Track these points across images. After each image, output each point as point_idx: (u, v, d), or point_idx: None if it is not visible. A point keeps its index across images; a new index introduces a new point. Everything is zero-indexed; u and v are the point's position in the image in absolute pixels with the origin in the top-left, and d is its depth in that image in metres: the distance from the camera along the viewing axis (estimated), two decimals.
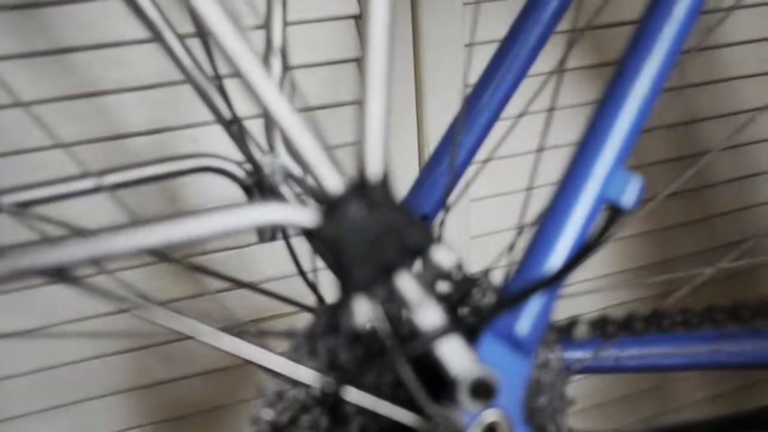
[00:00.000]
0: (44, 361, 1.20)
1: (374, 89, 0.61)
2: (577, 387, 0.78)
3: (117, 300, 0.66)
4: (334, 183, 0.62)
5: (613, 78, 0.72)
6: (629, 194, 0.70)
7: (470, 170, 0.97)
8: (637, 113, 0.71)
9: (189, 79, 0.85)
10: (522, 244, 0.75)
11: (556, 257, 0.70)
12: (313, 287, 0.97)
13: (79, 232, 0.61)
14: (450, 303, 0.77)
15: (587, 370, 0.85)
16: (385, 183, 0.63)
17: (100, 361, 1.22)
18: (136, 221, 0.62)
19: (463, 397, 0.68)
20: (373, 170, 0.63)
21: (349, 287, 0.63)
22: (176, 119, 1.13)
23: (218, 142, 1.13)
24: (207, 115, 1.05)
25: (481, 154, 0.96)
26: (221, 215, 0.60)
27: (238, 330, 0.76)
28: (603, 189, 0.70)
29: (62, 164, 1.02)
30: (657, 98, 0.72)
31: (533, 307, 0.71)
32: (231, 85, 0.88)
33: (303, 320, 0.75)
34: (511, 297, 0.70)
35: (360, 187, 0.62)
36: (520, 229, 0.80)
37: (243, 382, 1.25)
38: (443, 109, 1.19)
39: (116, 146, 1.10)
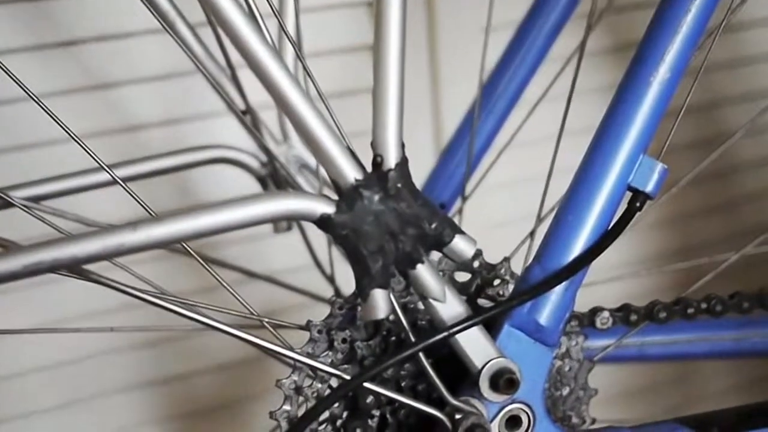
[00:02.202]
0: (57, 358, 1.20)
1: (388, 74, 0.60)
2: (597, 376, 0.77)
3: (135, 294, 0.65)
4: (349, 171, 0.60)
5: (634, 61, 0.70)
6: (653, 180, 0.69)
7: (488, 157, 0.96)
8: (660, 97, 0.69)
9: (201, 69, 0.85)
10: (542, 232, 0.73)
11: (578, 245, 0.68)
12: (329, 279, 0.96)
13: (94, 227, 0.60)
14: (470, 293, 0.75)
15: (610, 359, 0.84)
16: (402, 170, 0.61)
17: (114, 356, 1.21)
18: (152, 216, 0.62)
19: (484, 389, 0.67)
20: (390, 157, 0.61)
21: (367, 280, 0.61)
22: (189, 111, 1.12)
23: (232, 134, 1.10)
24: (220, 106, 1.04)
25: (499, 140, 0.94)
26: (236, 207, 0.59)
27: (255, 323, 0.75)
28: (625, 175, 0.68)
29: (73, 159, 1.01)
30: (680, 80, 0.70)
31: (555, 296, 0.69)
32: (244, 75, 0.88)
33: (320, 313, 0.74)
34: (533, 286, 0.68)
35: (376, 175, 0.61)
36: (540, 217, 0.78)
37: (260, 376, 1.25)
38: (460, 96, 1.16)
39: (128, 139, 1.09)
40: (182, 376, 1.28)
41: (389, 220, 0.61)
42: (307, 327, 0.72)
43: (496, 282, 0.75)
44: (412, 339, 0.66)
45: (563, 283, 0.68)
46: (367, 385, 0.67)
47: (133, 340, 1.18)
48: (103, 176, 0.84)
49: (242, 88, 0.88)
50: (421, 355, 0.66)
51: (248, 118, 0.88)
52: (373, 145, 0.61)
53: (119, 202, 0.97)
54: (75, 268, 0.62)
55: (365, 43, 1.17)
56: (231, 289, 0.72)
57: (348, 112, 1.10)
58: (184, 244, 0.67)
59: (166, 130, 1.12)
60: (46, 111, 0.65)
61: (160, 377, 1.27)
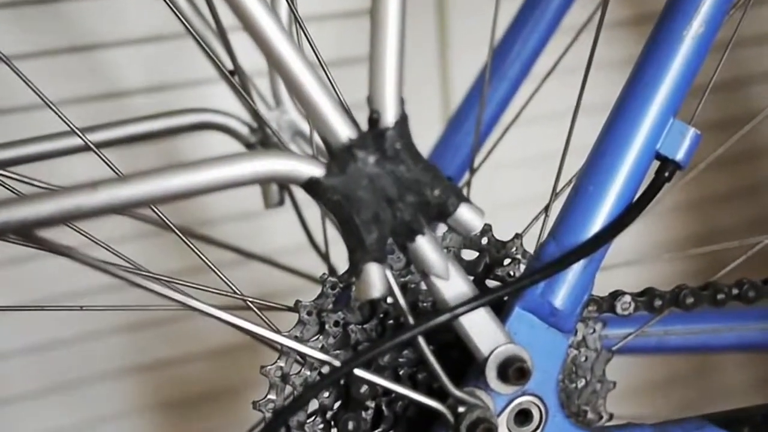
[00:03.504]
0: (38, 339, 1.15)
1: (387, 16, 0.54)
2: (612, 368, 0.72)
3: (99, 265, 0.58)
4: (341, 129, 0.54)
5: (665, 13, 0.64)
6: (683, 147, 0.63)
7: (498, 129, 0.90)
8: (693, 53, 0.63)
9: (187, 28, 0.78)
10: (558, 208, 0.68)
11: (599, 218, 0.62)
12: (324, 257, 0.90)
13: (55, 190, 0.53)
14: (477, 273, 0.69)
15: (628, 349, 0.77)
16: (401, 129, 0.55)
17: (98, 339, 1.17)
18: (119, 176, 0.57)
19: (491, 378, 0.61)
20: (387, 114, 0.54)
21: (360, 253, 0.55)
22: (177, 76, 1.08)
23: (224, 102, 1.06)
24: (211, 71, 0.99)
25: (510, 112, 0.88)
26: (213, 167, 0.53)
27: (240, 304, 0.69)
28: (653, 140, 0.63)
29: (52, 126, 0.96)
30: (714, 36, 0.63)
31: (572, 276, 0.63)
32: (234, 36, 0.83)
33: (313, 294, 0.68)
34: (547, 264, 0.62)
35: (372, 133, 0.54)
36: (556, 191, 0.71)
37: (252, 362, 1.19)
38: (471, 63, 1.11)
39: (111, 106, 1.05)
40: (169, 361, 1.24)
41: (386, 185, 0.55)
42: (295, 308, 0.66)
43: (507, 261, 0.69)
44: (411, 321, 0.58)
45: (581, 262, 0.63)
46: (359, 372, 0.60)
47: (116, 322, 1.14)
48: (77, 141, 0.78)
49: (230, 47, 0.81)
50: (420, 339, 0.59)
51: (237, 80, 0.81)
52: (369, 100, 0.55)
53: (99, 170, 0.93)
54: (29, 234, 0.55)
55: (364, 7, 1.10)
56: (213, 266, 0.67)
57: (345, 82, 1.04)
58: (155, 209, 0.61)
59: (152, 96, 1.08)
60: (15, 71, 0.59)
61: (145, 363, 1.23)
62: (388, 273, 0.57)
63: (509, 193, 1.29)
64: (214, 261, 0.73)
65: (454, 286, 0.59)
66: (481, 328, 0.60)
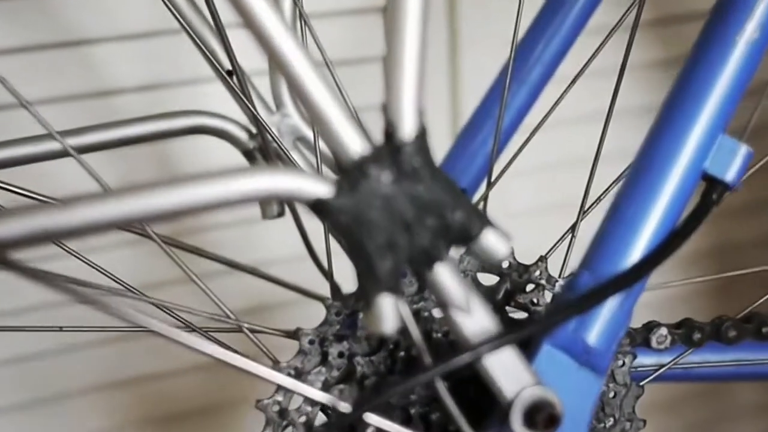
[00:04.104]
0: (18, 351, 1.11)
1: (406, 14, 0.48)
2: None
3: (88, 300, 0.52)
4: (353, 143, 0.49)
5: (715, 16, 0.59)
6: (734, 166, 0.58)
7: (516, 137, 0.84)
8: (746, 60, 0.58)
9: (182, 23, 0.73)
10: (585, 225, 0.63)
11: (639, 246, 0.58)
12: (326, 274, 0.84)
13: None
14: (497, 301, 0.64)
15: (656, 379, 0.72)
16: (420, 144, 0.49)
17: (80, 352, 1.13)
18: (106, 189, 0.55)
19: (517, 425, 0.54)
20: (405, 127, 0.49)
21: (371, 283, 0.49)
22: (171, 74, 1.03)
23: (221, 103, 1.01)
24: (208, 71, 0.94)
25: (531, 118, 0.81)
26: (207, 183, 0.48)
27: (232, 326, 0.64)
28: (700, 159, 0.58)
29: (36, 128, 0.93)
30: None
31: (608, 310, 0.58)
32: (233, 33, 0.77)
33: (321, 312, 0.64)
34: (581, 297, 0.56)
35: (388, 149, 0.49)
36: (584, 209, 0.66)
37: (240, 377, 1.15)
38: (482, 64, 1.06)
39: (99, 105, 1.01)
40: (155, 376, 1.19)
41: (402, 207, 0.49)
42: (295, 335, 0.61)
43: (530, 287, 0.64)
44: (428, 361, 0.52)
45: (620, 294, 0.57)
46: (366, 414, 0.54)
47: (99, 335, 1.09)
48: (58, 144, 0.72)
49: (228, 44, 0.75)
50: (436, 378, 0.53)
51: (235, 81, 0.75)
52: (384, 110, 0.49)
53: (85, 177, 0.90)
54: None
55: (374, 4, 1.09)
56: (204, 286, 0.63)
57: (354, 84, 1.00)
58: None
59: (144, 95, 1.03)
60: None
61: (130, 377, 1.18)
62: (402, 306, 0.51)
63: (520, 203, 1.25)
64: (206, 269, 0.68)
65: (476, 320, 0.53)
66: (505, 368, 0.54)
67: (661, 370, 0.68)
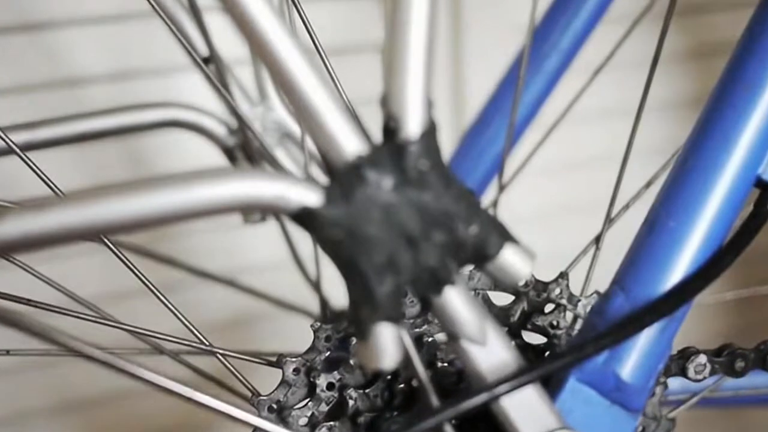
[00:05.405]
0: None
1: (413, 9, 0.42)
2: None
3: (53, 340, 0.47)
4: (349, 143, 0.42)
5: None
6: None
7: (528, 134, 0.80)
8: None
9: (154, 6, 0.66)
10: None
11: (683, 264, 0.51)
12: (315, 286, 0.77)
13: None
14: (512, 324, 0.56)
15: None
16: (428, 142, 0.42)
17: (43, 368, 1.08)
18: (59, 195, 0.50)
19: None
20: (410, 122, 0.42)
21: (368, 310, 0.42)
22: (143, 61, 1.00)
23: (198, 94, 0.97)
24: (185, 60, 0.88)
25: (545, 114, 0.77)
26: (182, 187, 0.41)
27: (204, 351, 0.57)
28: (754, 164, 0.52)
29: None
30: None
31: (645, 340, 0.51)
32: (210, 17, 0.74)
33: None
34: (615, 326, 0.49)
35: (389, 149, 0.42)
36: (611, 218, 0.59)
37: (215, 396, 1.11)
38: (488, 54, 1.05)
39: (64, 95, 0.97)
40: (120, 395, 1.14)
41: (405, 219, 0.42)
42: (278, 363, 0.55)
43: (549, 307, 0.57)
44: (436, 403, 0.45)
45: (659, 322, 0.50)
46: None
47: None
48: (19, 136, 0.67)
49: (205, 29, 0.70)
50: (444, 422, 0.46)
51: (213, 69, 0.69)
52: (384, 102, 0.43)
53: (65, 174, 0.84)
54: None
55: None
56: (175, 309, 0.57)
57: (349, 75, 0.95)
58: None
59: (113, 84, 0.99)
60: None
61: (92, 396, 1.13)
62: (405, 335, 0.44)
63: (528, 207, 1.19)
64: (180, 278, 0.63)
65: (492, 354, 0.46)
66: (525, 409, 0.47)
67: (694, 399, 0.61)
